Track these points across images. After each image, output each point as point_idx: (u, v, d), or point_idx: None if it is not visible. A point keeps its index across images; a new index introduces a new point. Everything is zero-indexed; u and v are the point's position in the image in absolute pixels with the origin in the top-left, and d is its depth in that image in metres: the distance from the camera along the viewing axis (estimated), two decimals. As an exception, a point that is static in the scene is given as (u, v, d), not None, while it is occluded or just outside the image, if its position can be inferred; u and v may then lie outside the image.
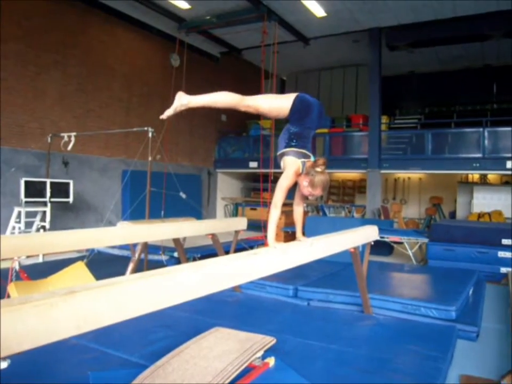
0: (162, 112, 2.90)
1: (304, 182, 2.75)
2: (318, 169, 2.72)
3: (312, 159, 2.82)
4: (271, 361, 3.02)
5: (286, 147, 2.83)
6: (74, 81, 9.77)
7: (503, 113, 13.48)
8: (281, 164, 2.86)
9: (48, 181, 7.81)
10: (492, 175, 13.15)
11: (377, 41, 11.66)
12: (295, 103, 2.82)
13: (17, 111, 8.60)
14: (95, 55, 10.22)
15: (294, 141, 2.81)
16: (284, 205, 2.76)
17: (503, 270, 6.83)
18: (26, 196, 7.45)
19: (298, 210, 3.03)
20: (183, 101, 2.81)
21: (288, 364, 3.04)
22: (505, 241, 6.98)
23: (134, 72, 11.27)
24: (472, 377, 3.22)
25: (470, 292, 5.39)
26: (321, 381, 2.85)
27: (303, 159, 2.77)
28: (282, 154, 2.84)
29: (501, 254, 6.90)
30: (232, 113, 14.87)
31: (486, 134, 10.71)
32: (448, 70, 14.97)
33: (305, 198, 2.93)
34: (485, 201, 12.10)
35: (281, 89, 16.79)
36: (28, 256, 6.91)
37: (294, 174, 2.74)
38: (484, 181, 13.39)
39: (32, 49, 8.84)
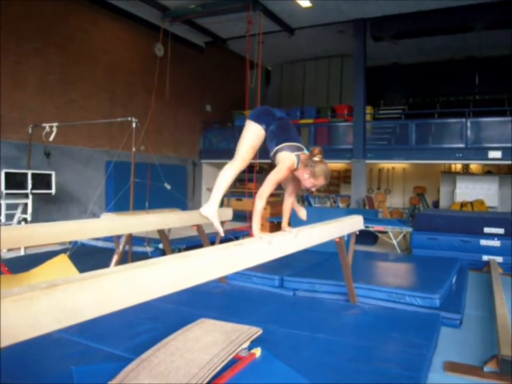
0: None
1: (304, 175, 2.69)
2: (316, 158, 2.67)
3: (305, 151, 2.77)
4: (257, 352, 3.01)
5: (277, 144, 2.79)
6: (56, 71, 9.58)
7: (485, 104, 13.65)
8: (276, 162, 2.81)
9: (29, 172, 7.67)
10: (474, 165, 13.32)
11: (362, 32, 11.66)
12: (254, 116, 2.92)
13: (-3, 101, 8.42)
14: (77, 44, 10.03)
15: (283, 136, 2.78)
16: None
17: (485, 258, 6.93)
18: (6, 188, 7.31)
19: (289, 201, 3.00)
20: (211, 211, 2.83)
21: (274, 354, 3.04)
22: (487, 230, 7.08)
23: (118, 62, 11.10)
24: (456, 364, 3.27)
25: (454, 280, 5.46)
26: (308, 371, 2.85)
27: (297, 152, 2.72)
28: (276, 152, 2.79)
29: (483, 242, 6.99)
30: (217, 104, 14.84)
31: (468, 124, 10.81)
32: (431, 61, 15.06)
33: (299, 189, 2.90)
34: (467, 191, 12.26)
35: (267, 80, 16.73)
36: (8, 249, 6.82)
37: (287, 169, 2.68)
38: (466, 171, 13.56)
39: (12, 37, 8.62)
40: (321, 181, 2.68)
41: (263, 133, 2.89)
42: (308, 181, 2.70)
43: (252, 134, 2.89)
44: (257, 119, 2.89)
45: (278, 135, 2.80)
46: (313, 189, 2.77)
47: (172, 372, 2.59)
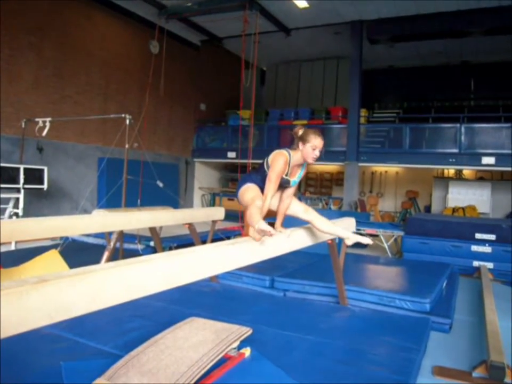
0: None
1: (300, 148, 2.81)
2: (300, 132, 2.84)
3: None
4: (246, 351, 3.01)
5: (263, 172, 2.85)
6: (51, 65, 9.52)
7: (479, 110, 13.72)
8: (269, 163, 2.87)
9: (21, 167, 7.61)
10: (467, 171, 13.37)
11: (359, 34, 11.68)
12: (242, 184, 2.91)
13: (-10, 95, 8.34)
14: (72, 39, 9.96)
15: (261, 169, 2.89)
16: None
17: (476, 263, 6.97)
18: (-2, 182, 7.25)
19: (285, 202, 3.02)
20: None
21: (264, 355, 3.04)
22: (478, 236, 7.11)
23: (113, 58, 11.04)
24: (445, 368, 3.28)
25: (444, 285, 5.48)
26: (296, 372, 2.85)
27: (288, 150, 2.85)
28: (267, 161, 2.86)
29: (474, 248, 7.03)
30: (212, 103, 14.81)
31: (462, 130, 10.85)
32: (427, 66, 15.12)
33: (297, 190, 2.95)
34: (459, 196, 12.32)
35: (261, 80, 16.72)
36: (-1, 244, 6.75)
37: (282, 162, 2.76)
38: (459, 176, 13.61)
39: (7, 31, 8.54)
40: (315, 139, 2.80)
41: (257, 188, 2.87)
42: (307, 150, 2.81)
43: (254, 189, 2.84)
44: (246, 182, 2.89)
45: (260, 169, 2.88)
46: (317, 153, 2.86)
47: (161, 369, 2.58)
